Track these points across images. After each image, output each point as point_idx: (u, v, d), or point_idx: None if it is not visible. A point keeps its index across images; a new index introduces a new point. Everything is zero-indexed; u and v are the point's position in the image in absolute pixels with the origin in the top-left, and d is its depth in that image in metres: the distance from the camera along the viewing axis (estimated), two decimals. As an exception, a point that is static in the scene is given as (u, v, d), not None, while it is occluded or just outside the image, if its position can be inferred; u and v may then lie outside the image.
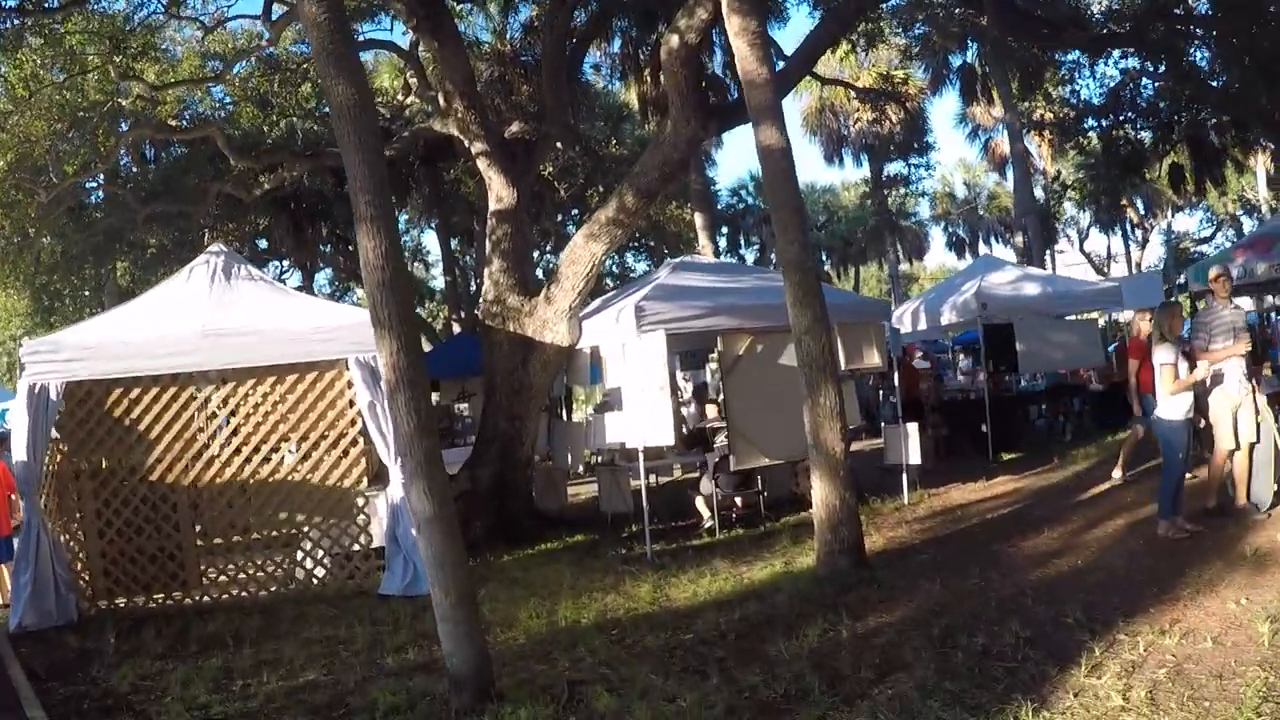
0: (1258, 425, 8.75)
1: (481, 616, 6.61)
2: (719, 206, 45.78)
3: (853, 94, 32.70)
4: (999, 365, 16.50)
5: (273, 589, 9.86)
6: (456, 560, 5.85)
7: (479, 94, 14.50)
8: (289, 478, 10.02)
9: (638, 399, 10.52)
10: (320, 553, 9.99)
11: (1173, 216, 51.75)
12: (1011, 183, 42.42)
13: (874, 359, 11.81)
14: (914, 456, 12.10)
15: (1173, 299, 13.75)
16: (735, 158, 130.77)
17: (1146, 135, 29.30)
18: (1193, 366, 8.53)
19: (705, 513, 11.70)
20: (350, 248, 30.71)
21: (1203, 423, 9.32)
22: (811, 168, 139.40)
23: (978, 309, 15.99)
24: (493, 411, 12.71)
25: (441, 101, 14.15)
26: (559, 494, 14.35)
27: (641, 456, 10.48)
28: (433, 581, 5.84)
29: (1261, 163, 37.31)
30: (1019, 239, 37.51)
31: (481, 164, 13.42)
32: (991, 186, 55.24)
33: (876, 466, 13.90)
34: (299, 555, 10.05)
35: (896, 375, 13.27)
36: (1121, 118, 28.32)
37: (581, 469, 15.32)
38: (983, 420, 15.90)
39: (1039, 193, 38.54)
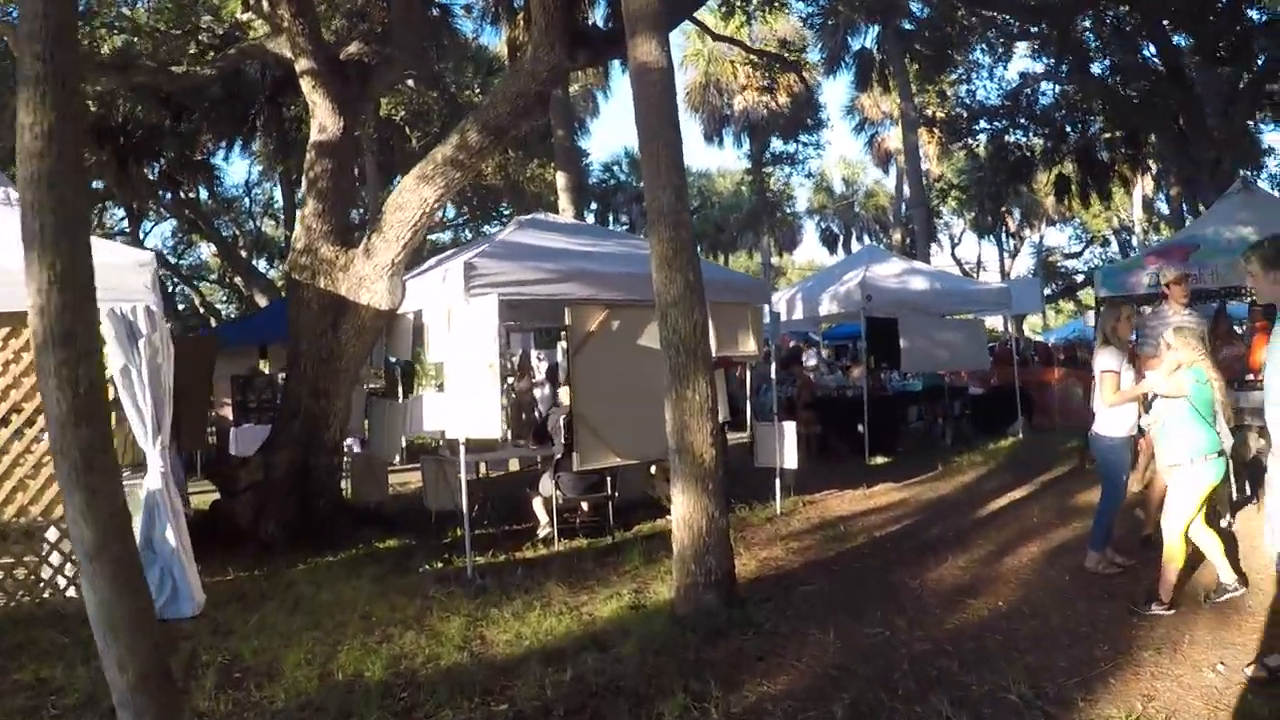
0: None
1: (240, 659, 4.64)
2: (590, 181, 44.11)
3: (739, 69, 31.45)
4: (880, 361, 15.15)
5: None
6: (137, 621, 3.68)
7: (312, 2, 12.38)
8: (19, 458, 7.68)
9: (462, 379, 8.69)
10: (59, 557, 7.66)
11: (1045, 230, 52.19)
12: (893, 180, 42.03)
13: (749, 346, 10.21)
14: (790, 459, 10.54)
15: (1120, 295, 12.59)
16: (612, 135, 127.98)
17: (1038, 143, 28.94)
18: (1139, 377, 7.13)
19: (543, 518, 9.97)
20: (189, 195, 28.22)
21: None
22: (690, 149, 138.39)
23: (861, 300, 14.63)
24: (295, 384, 10.68)
25: (266, 5, 12.01)
26: (380, 485, 12.33)
27: (463, 450, 8.66)
28: (103, 650, 3.67)
29: (1139, 185, 37.17)
30: (896, 236, 36.72)
31: (306, 85, 11.25)
32: (870, 184, 54.96)
33: (736, 468, 12.38)
34: (34, 558, 7.66)
35: (774, 366, 11.59)
36: (1015, 122, 27.81)
37: (397, 459, 13.21)
38: (859, 419, 14.72)
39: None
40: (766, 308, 10.79)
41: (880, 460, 14.60)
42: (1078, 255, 52.86)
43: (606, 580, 8.03)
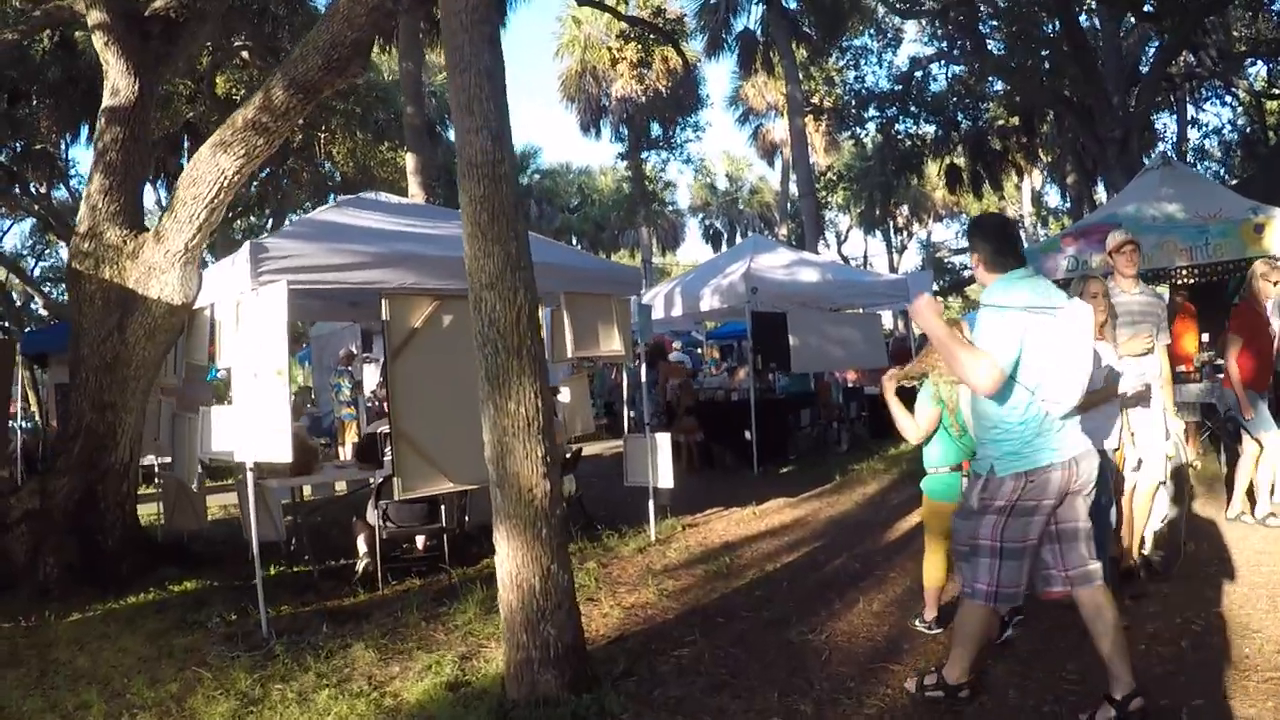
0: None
1: None
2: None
3: (617, 56, 30.02)
4: (767, 361, 13.76)
5: None
6: None
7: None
8: None
9: (249, 389, 6.99)
10: None
11: (932, 225, 51.95)
12: (778, 174, 40.99)
13: (614, 344, 8.66)
14: (664, 478, 9.03)
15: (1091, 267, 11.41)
16: None
17: (929, 130, 28.18)
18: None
19: (364, 552, 8.28)
20: (40, 190, 26.00)
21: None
22: (567, 141, 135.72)
23: (746, 294, 13.21)
24: (78, 397, 8.89)
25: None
26: (197, 512, 10.45)
27: (250, 478, 6.99)
28: None
29: (1029, 179, 36.74)
30: (782, 231, 35.68)
31: (98, 41, 9.44)
32: (755, 180, 54.08)
33: (605, 487, 10.84)
34: None
35: (644, 368, 9.99)
36: (906, 109, 26.89)
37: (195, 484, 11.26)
38: (745, 425, 13.38)
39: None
40: (635, 300, 9.22)
41: (770, 470, 13.26)
42: (964, 251, 52.82)
43: (430, 640, 6.44)
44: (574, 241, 49.15)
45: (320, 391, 19.02)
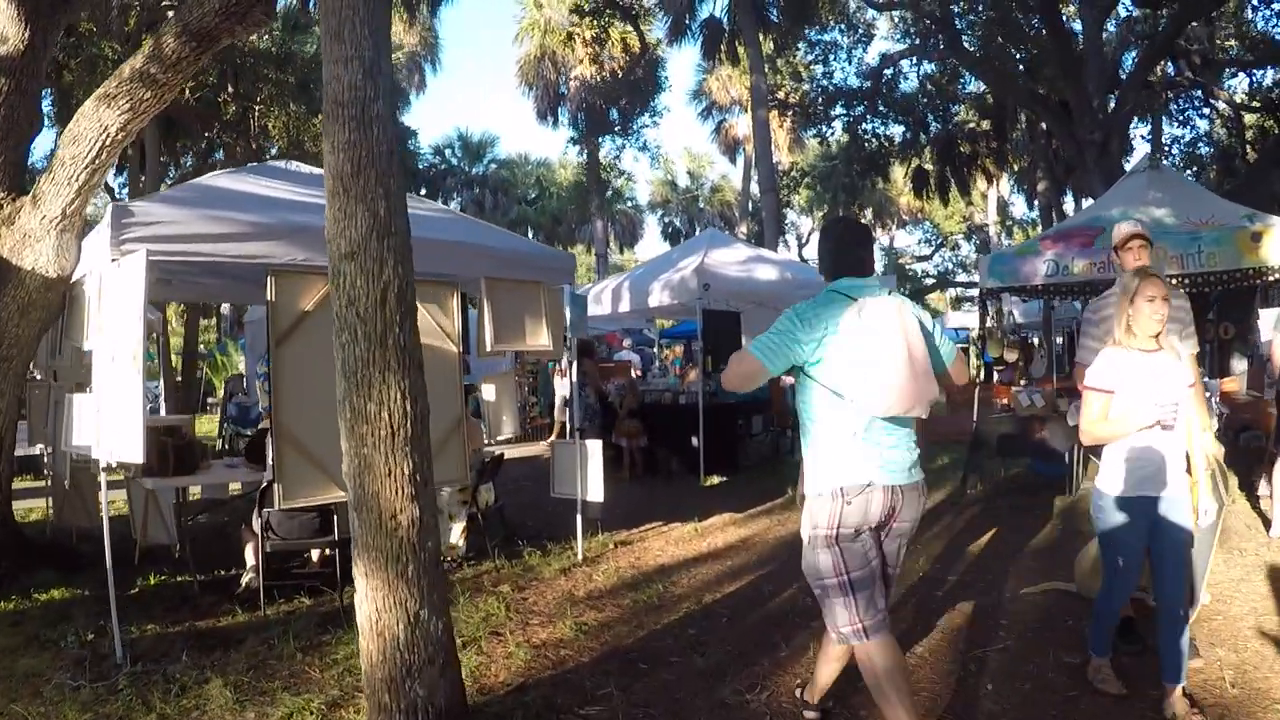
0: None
1: None
2: (419, 166, 41.15)
3: (575, 39, 29.04)
4: (718, 363, 12.81)
5: None
6: None
7: None
8: None
9: (106, 375, 5.98)
10: None
11: (895, 231, 51.36)
12: (740, 171, 40.13)
13: (540, 338, 7.67)
14: (594, 489, 8.06)
15: (1012, 287, 10.63)
16: (442, 113, 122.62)
17: (898, 130, 27.39)
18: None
19: (251, 564, 7.28)
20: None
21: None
22: (523, 129, 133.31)
23: (698, 290, 12.27)
24: (-59, 380, 7.79)
25: None
26: (88, 508, 9.33)
27: (104, 479, 5.96)
28: None
29: (995, 186, 36.10)
30: (743, 230, 34.79)
31: (-16, -18, 8.34)
32: (716, 179, 53.26)
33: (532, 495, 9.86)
34: None
35: (574, 369, 8.95)
36: (875, 108, 26.07)
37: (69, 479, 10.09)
38: (693, 431, 12.51)
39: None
40: (567, 290, 8.23)
41: (718, 480, 12.40)
42: (928, 258, 52.59)
43: (301, 679, 5.45)
44: (529, 234, 48.10)
45: (252, 379, 17.95)
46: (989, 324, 12.11)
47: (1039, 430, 10.31)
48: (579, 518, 8.13)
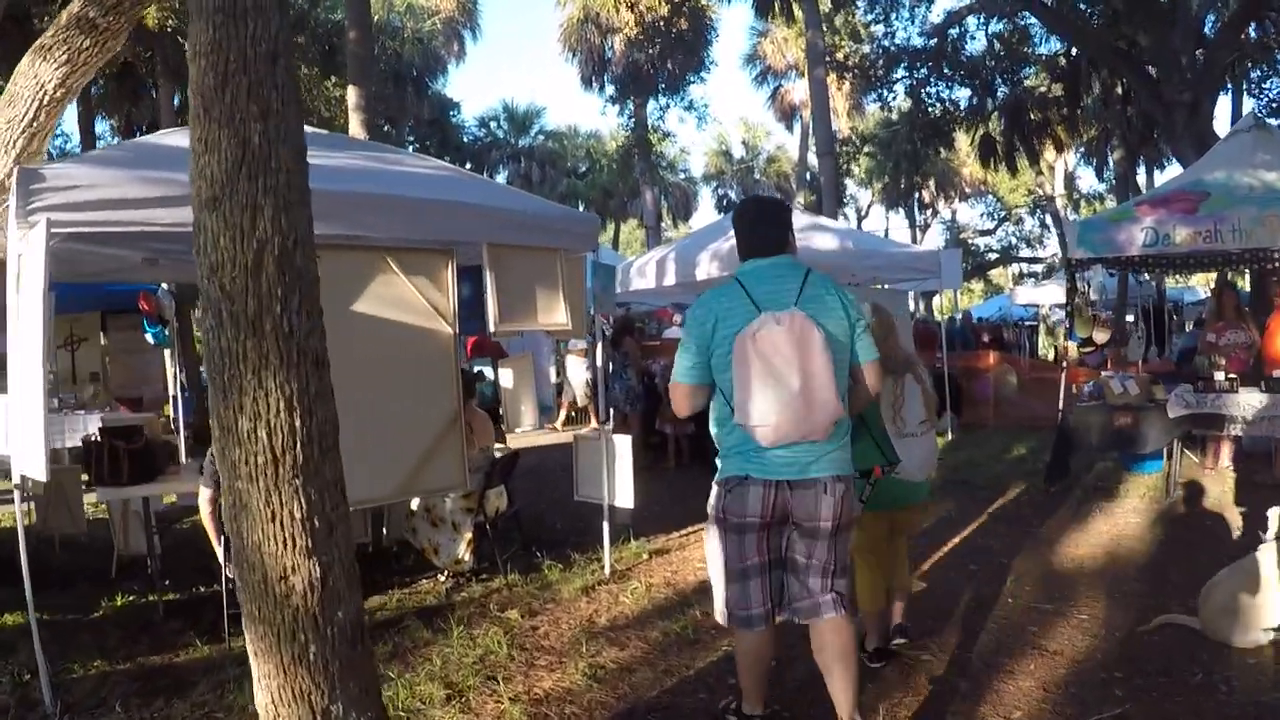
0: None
1: None
2: (465, 140, 40.13)
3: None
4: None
5: None
6: None
7: None
8: None
9: (17, 374, 4.96)
10: None
11: (958, 204, 49.58)
12: (796, 140, 38.60)
13: (557, 315, 6.50)
14: (623, 494, 6.92)
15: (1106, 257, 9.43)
16: (486, 84, 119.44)
17: (964, 95, 25.83)
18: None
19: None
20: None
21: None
22: (568, 96, 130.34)
23: (751, 261, 11.03)
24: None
25: None
26: (74, 513, 8.37)
27: (17, 497, 4.96)
28: None
29: (1062, 158, 34.17)
30: (799, 201, 33.29)
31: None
32: (772, 149, 51.68)
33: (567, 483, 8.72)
34: None
35: (599, 349, 7.79)
36: (940, 70, 24.52)
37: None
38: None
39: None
40: (590, 258, 7.06)
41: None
42: (990, 233, 50.73)
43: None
44: (580, 208, 46.78)
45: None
46: (1077, 299, 10.77)
47: (1132, 421, 9.02)
48: (605, 526, 6.99)
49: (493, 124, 44.41)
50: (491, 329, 6.16)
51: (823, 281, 3.78)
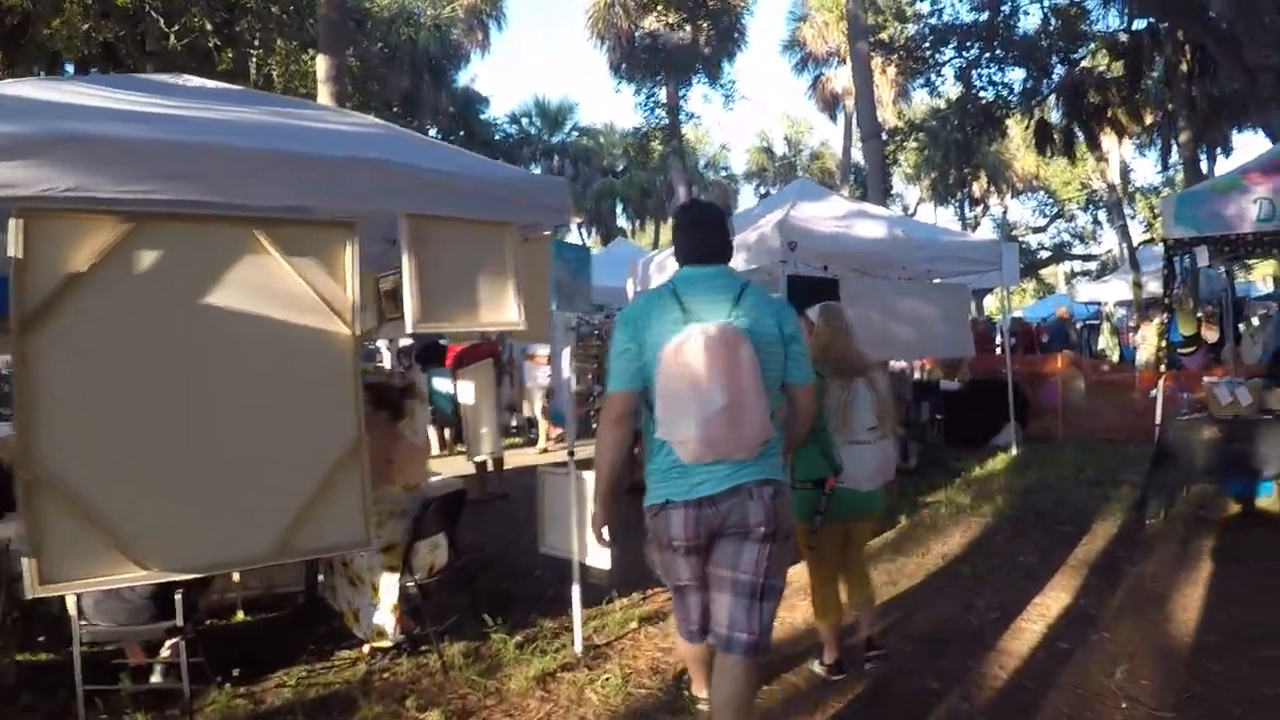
0: None
1: None
2: (496, 138, 38.73)
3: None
4: (809, 344, 10.00)
5: None
6: None
7: None
8: None
9: None
10: None
11: (1009, 200, 47.40)
12: (840, 132, 36.73)
13: (503, 310, 4.85)
14: (597, 552, 5.23)
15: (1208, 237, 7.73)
16: (514, 75, 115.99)
17: (1018, 76, 24.02)
18: None
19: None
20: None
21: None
22: (597, 85, 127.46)
23: (780, 249, 9.39)
24: None
25: None
26: None
27: None
28: None
29: (1120, 146, 31.97)
30: (844, 194, 31.41)
31: None
32: (815, 145, 49.86)
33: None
34: None
35: (566, 355, 6.13)
36: (991, 48, 22.70)
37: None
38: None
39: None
40: (561, 240, 5.41)
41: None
42: (1043, 229, 48.80)
43: None
44: (617, 208, 45.32)
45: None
46: (1178, 290, 9.02)
47: (1248, 438, 7.27)
48: (575, 592, 5.34)
49: (524, 120, 42.95)
50: (409, 327, 4.56)
51: (759, 294, 3.63)
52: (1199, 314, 9.62)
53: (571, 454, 5.43)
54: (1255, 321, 9.84)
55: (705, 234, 3.71)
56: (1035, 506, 8.70)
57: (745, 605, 3.49)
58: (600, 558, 5.20)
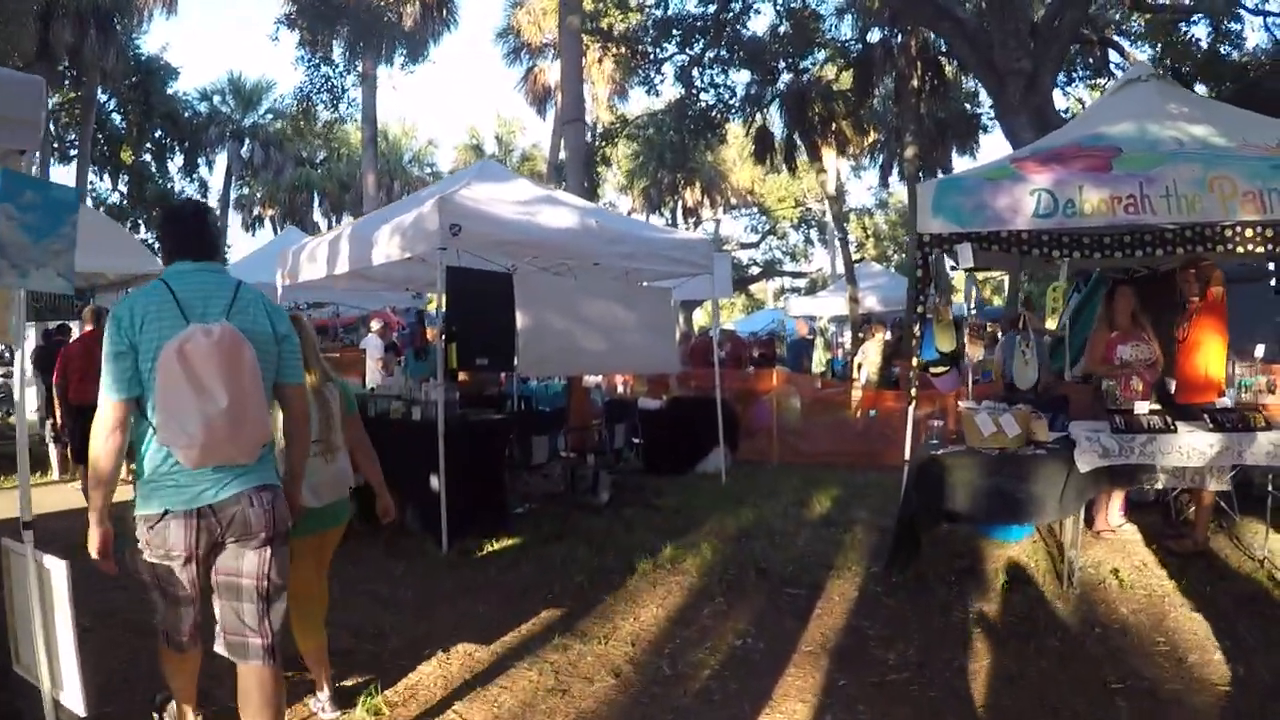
0: None
1: None
2: (186, 114, 35.29)
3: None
4: (470, 354, 8.27)
5: None
6: None
7: None
8: None
9: None
10: None
11: (722, 214, 47.51)
12: (549, 129, 35.11)
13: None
14: (73, 692, 3.32)
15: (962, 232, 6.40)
16: (207, 49, 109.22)
17: (741, 80, 23.41)
18: None
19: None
20: None
21: None
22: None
23: (439, 233, 7.57)
24: None
25: None
26: None
27: None
28: None
29: (838, 162, 31.71)
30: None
31: None
32: (528, 147, 48.39)
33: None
34: None
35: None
36: (719, 43, 21.76)
37: None
38: (430, 466, 7.64)
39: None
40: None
41: (472, 550, 7.58)
42: (754, 245, 49.37)
43: None
44: (313, 200, 42.38)
45: None
46: (934, 298, 7.81)
47: (1019, 478, 5.98)
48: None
49: (216, 98, 39.33)
50: None
51: (252, 294, 3.62)
52: (962, 328, 8.37)
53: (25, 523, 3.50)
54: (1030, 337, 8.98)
55: (195, 229, 3.66)
56: (754, 558, 7.14)
57: (254, 610, 3.53)
58: (75, 698, 3.37)
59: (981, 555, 6.95)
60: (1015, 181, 6.20)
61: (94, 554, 3.44)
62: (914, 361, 7.68)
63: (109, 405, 3.34)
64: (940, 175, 24.29)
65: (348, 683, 4.76)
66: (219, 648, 3.59)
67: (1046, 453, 6.05)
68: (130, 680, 4.68)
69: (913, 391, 7.24)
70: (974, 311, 10.27)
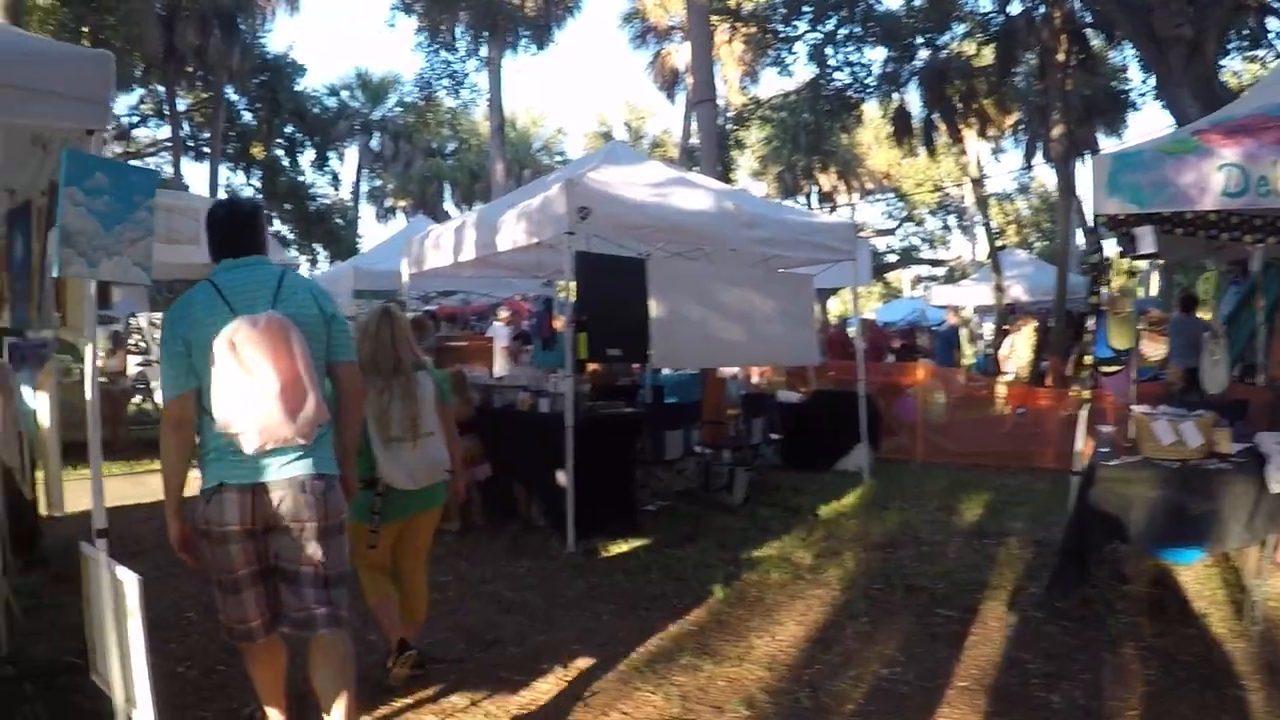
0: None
1: None
2: (315, 111, 35.84)
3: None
4: (601, 344, 7.85)
5: None
6: None
7: None
8: None
9: None
10: None
11: (857, 200, 46.48)
12: (680, 113, 34.75)
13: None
14: (144, 701, 3.00)
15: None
16: (330, 41, 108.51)
17: (876, 58, 22.69)
18: None
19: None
20: None
21: None
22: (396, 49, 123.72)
23: (568, 217, 7.25)
24: None
25: None
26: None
27: None
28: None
29: (979, 145, 30.55)
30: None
31: None
32: (657, 133, 48.18)
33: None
34: None
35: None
36: (852, 19, 21.10)
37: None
38: (557, 460, 7.34)
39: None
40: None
41: (598, 550, 7.25)
42: (891, 232, 48.02)
43: None
44: (444, 191, 42.89)
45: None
46: (1112, 289, 7.14)
47: (1204, 497, 5.26)
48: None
49: (345, 93, 40.11)
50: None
51: (298, 281, 3.73)
52: (1140, 323, 7.61)
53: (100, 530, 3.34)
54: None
55: (241, 229, 3.71)
56: (901, 572, 6.60)
57: (314, 593, 3.52)
58: (147, 716, 3.36)
59: (1150, 579, 6.25)
60: (1200, 156, 5.47)
61: (175, 548, 3.54)
62: (1085, 359, 7.01)
63: (170, 404, 3.48)
64: (1089, 156, 23.23)
65: (455, 697, 4.42)
66: (285, 628, 3.62)
67: (1232, 468, 5.30)
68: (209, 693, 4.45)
69: (1086, 393, 6.56)
70: (1152, 308, 9.44)
